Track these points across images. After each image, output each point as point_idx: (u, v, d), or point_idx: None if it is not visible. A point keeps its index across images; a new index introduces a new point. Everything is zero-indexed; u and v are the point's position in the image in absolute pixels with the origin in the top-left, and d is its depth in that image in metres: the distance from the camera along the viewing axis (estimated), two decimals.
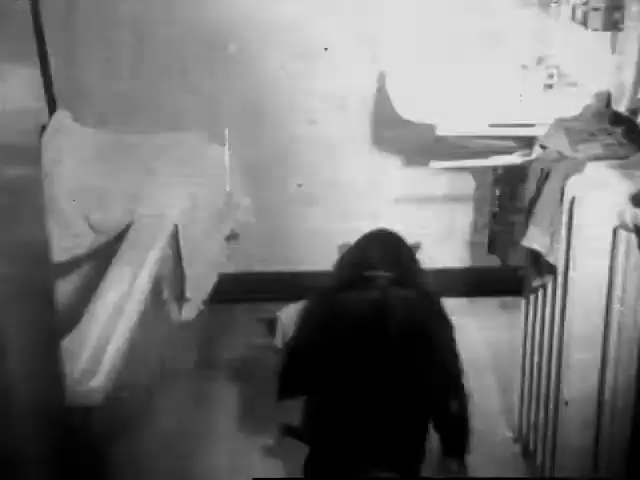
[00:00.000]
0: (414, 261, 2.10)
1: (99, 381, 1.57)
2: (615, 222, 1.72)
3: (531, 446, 2.15)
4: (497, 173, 2.76)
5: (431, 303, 1.98)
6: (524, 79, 2.54)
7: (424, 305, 1.95)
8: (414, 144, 2.85)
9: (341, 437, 1.87)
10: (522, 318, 2.16)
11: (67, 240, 2.45)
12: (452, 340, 1.97)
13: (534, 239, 1.88)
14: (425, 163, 2.46)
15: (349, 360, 1.86)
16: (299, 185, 2.95)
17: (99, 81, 2.84)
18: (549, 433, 1.99)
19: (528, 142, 2.24)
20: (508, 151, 2.36)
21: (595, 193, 1.74)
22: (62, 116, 2.74)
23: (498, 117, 2.36)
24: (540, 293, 2.01)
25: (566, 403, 1.89)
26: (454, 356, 1.96)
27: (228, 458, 2.32)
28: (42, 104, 2.74)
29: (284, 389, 2.00)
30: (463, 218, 3.08)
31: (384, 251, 2.06)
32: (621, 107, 2.08)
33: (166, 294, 2.18)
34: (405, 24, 2.82)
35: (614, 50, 2.22)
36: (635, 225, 1.68)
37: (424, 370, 1.89)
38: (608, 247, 1.74)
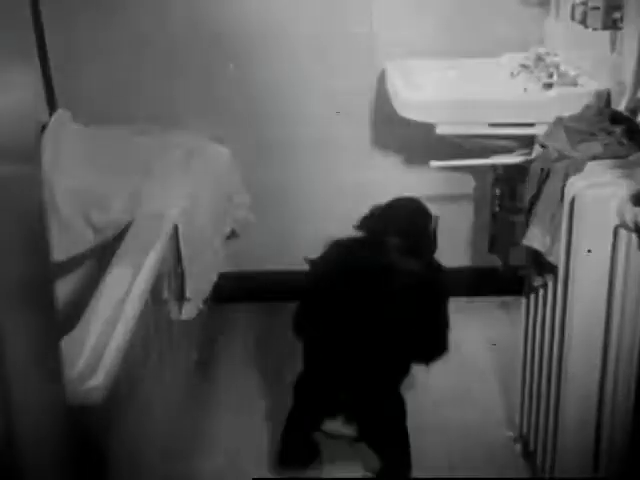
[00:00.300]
0: (426, 232, 2.19)
1: (99, 380, 1.57)
2: (615, 221, 1.72)
3: (531, 446, 2.15)
4: (497, 173, 2.76)
5: (433, 275, 2.11)
6: (523, 78, 2.54)
7: (425, 275, 2.08)
8: (414, 143, 2.86)
9: (325, 366, 2.07)
10: (522, 318, 2.16)
11: (67, 239, 2.45)
12: (444, 312, 2.13)
13: (534, 239, 1.88)
14: (425, 162, 2.46)
15: (340, 310, 2.04)
16: None
17: (99, 81, 2.85)
18: (549, 433, 1.99)
19: (528, 141, 2.23)
20: (508, 150, 2.36)
21: (595, 192, 1.73)
22: (62, 116, 2.74)
23: (498, 116, 2.36)
24: (540, 293, 2.01)
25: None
26: (442, 324, 2.13)
27: (228, 458, 2.32)
28: (42, 104, 2.74)
29: (294, 327, 2.17)
30: (463, 218, 3.09)
31: (400, 218, 2.19)
32: (621, 106, 2.08)
33: (166, 294, 2.18)
34: (407, 21, 2.82)
35: (614, 49, 2.22)
36: (635, 224, 1.68)
37: (408, 328, 2.05)
38: (609, 247, 1.74)
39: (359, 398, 2.07)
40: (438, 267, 2.15)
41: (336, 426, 2.11)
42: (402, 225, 2.17)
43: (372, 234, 2.16)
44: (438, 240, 2.26)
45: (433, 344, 2.13)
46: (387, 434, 2.18)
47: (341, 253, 2.14)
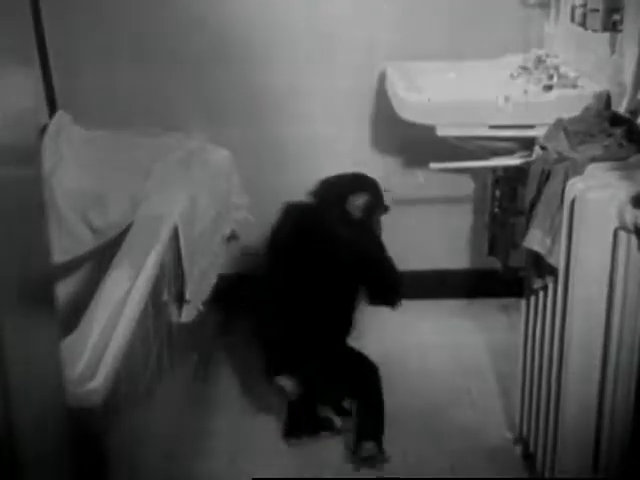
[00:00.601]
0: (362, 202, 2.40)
1: (98, 382, 1.56)
2: (615, 223, 1.72)
3: (531, 448, 2.15)
4: (497, 174, 2.76)
5: (362, 237, 2.37)
6: (523, 80, 2.54)
7: (353, 237, 2.34)
8: (414, 145, 2.86)
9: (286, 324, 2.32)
10: (522, 320, 2.15)
11: (67, 241, 2.45)
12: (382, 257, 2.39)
13: (534, 240, 1.87)
14: (425, 164, 2.46)
15: (288, 270, 2.35)
16: None
17: (99, 82, 2.85)
18: (549, 435, 1.99)
19: (528, 143, 2.23)
20: (508, 152, 2.36)
21: (595, 194, 1.73)
22: (62, 117, 2.74)
23: (498, 118, 2.36)
24: (540, 295, 2.01)
25: None
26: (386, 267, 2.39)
27: (228, 460, 2.32)
28: (42, 105, 2.74)
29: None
30: (463, 219, 3.09)
31: (341, 189, 2.43)
32: (621, 108, 2.09)
33: (166, 295, 2.18)
34: (406, 24, 2.83)
35: (613, 51, 2.22)
36: (635, 226, 1.68)
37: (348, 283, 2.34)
38: (609, 249, 1.74)
39: (305, 353, 2.30)
40: (370, 230, 2.40)
41: (283, 380, 2.29)
42: (342, 194, 2.40)
43: (317, 201, 2.42)
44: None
45: (385, 293, 2.39)
46: (362, 398, 2.36)
47: (291, 216, 2.44)
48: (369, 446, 2.28)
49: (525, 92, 2.44)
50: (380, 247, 2.40)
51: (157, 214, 2.30)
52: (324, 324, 2.32)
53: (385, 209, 2.45)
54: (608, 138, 1.94)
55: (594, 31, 2.19)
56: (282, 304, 2.33)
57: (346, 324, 2.40)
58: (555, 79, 2.44)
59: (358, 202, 2.38)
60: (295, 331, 2.30)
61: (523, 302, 2.14)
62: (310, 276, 2.30)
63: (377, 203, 2.42)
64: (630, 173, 1.78)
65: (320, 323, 2.31)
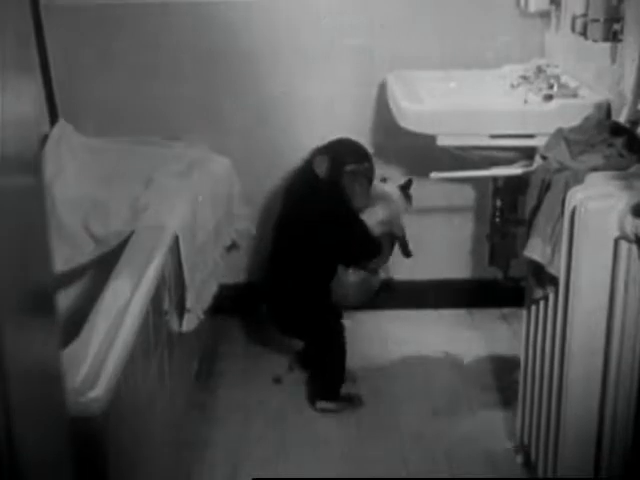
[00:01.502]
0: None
1: (99, 392, 1.56)
2: (616, 233, 1.72)
3: (532, 457, 2.14)
4: (498, 184, 2.76)
5: (329, 198, 2.57)
6: (524, 90, 2.54)
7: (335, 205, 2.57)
8: (414, 154, 2.86)
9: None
10: (523, 329, 2.15)
11: (68, 250, 2.45)
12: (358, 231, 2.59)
13: (535, 250, 1.88)
14: (426, 174, 2.46)
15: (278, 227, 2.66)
16: None
17: (101, 91, 2.85)
18: (550, 444, 1.99)
19: (529, 153, 2.24)
20: (509, 162, 2.36)
21: (596, 204, 1.74)
22: (63, 127, 2.75)
23: (499, 128, 2.36)
24: (541, 304, 2.01)
25: None
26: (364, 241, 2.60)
27: (228, 468, 2.32)
28: (44, 114, 2.74)
29: None
30: (463, 229, 3.09)
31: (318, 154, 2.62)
32: (621, 118, 2.09)
33: (167, 305, 2.18)
34: (407, 32, 2.83)
35: (614, 61, 2.22)
36: (636, 236, 1.68)
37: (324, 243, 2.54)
38: (609, 258, 1.74)
39: (280, 292, 2.61)
40: (335, 193, 2.55)
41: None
42: (312, 156, 2.62)
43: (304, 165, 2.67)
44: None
45: (352, 255, 2.63)
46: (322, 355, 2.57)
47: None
48: (323, 405, 2.54)
49: (525, 102, 2.44)
50: (344, 210, 2.56)
51: (158, 223, 2.30)
52: (302, 275, 2.56)
53: (367, 175, 2.61)
54: (608, 148, 1.94)
55: (594, 41, 2.19)
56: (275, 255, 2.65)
57: (323, 278, 2.60)
58: (555, 89, 2.44)
59: (322, 163, 2.56)
60: (278, 275, 2.62)
61: (524, 311, 2.14)
62: (292, 234, 2.58)
63: (339, 166, 2.56)
64: (630, 183, 1.78)
65: (299, 273, 2.56)
